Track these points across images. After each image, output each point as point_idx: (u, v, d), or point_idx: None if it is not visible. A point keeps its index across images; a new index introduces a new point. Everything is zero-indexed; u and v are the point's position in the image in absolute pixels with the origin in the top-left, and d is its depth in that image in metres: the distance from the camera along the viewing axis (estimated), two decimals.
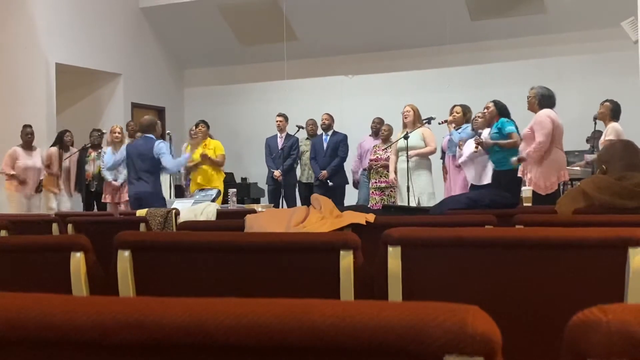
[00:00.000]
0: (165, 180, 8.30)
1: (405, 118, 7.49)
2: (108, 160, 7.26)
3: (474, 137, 6.69)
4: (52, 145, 8.56)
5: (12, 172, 8.12)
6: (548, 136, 5.62)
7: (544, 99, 5.80)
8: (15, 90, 9.34)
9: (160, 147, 6.19)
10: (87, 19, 10.14)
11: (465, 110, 7.41)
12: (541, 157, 5.66)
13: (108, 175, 8.23)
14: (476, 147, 6.44)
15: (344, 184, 8.73)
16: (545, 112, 5.72)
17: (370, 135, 8.79)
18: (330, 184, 8.45)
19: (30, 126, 8.33)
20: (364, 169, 8.64)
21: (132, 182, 6.37)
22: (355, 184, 8.88)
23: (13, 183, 8.19)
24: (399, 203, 7.34)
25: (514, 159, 5.80)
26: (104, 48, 10.46)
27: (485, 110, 6.38)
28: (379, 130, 8.59)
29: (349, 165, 8.94)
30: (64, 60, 9.73)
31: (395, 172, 7.46)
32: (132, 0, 11.08)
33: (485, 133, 6.41)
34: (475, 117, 7.14)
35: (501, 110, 6.21)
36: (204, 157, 8.09)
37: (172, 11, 11.02)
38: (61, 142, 8.52)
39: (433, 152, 7.45)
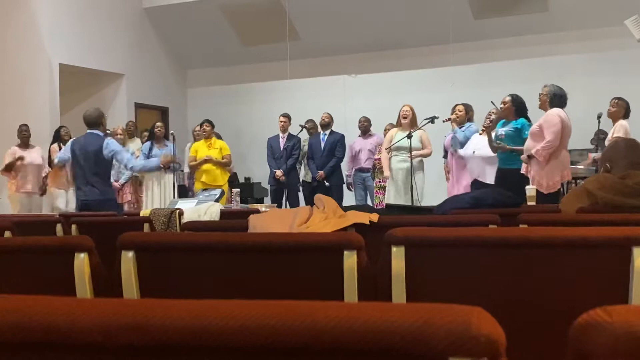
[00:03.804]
0: (169, 180, 8.31)
1: (405, 118, 7.55)
2: (60, 156, 6.18)
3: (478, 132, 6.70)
4: (52, 143, 8.62)
5: (7, 162, 8.12)
6: (557, 135, 5.61)
7: (556, 98, 5.78)
8: (19, 91, 9.37)
9: (111, 146, 5.48)
10: (90, 19, 10.16)
11: (468, 109, 7.44)
12: (549, 156, 5.65)
13: None
14: (481, 132, 6.44)
15: (341, 184, 8.79)
16: (556, 111, 5.70)
17: (359, 136, 8.87)
18: (327, 184, 8.48)
19: (26, 125, 8.38)
20: (357, 169, 8.75)
21: (80, 187, 5.61)
22: (349, 186, 8.94)
23: (14, 183, 8.21)
24: (392, 201, 7.40)
25: (524, 155, 5.79)
26: (107, 49, 10.48)
27: (502, 105, 6.34)
28: (367, 129, 8.77)
29: (346, 166, 9.01)
30: (67, 61, 9.75)
31: (390, 170, 7.60)
32: (135, 0, 11.10)
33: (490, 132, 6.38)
34: (490, 113, 7.10)
35: (518, 108, 6.17)
36: (208, 159, 8.13)
37: (175, 12, 11.03)
38: (58, 138, 8.59)
39: (430, 154, 7.69)
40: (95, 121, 5.59)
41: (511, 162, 6.06)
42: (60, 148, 8.51)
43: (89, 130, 5.62)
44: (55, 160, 6.32)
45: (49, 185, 8.41)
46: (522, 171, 5.97)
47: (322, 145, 8.65)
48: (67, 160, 5.90)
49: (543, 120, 5.72)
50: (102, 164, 5.52)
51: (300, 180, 9.06)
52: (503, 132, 6.17)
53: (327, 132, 8.73)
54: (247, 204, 7.47)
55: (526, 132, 6.01)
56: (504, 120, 6.34)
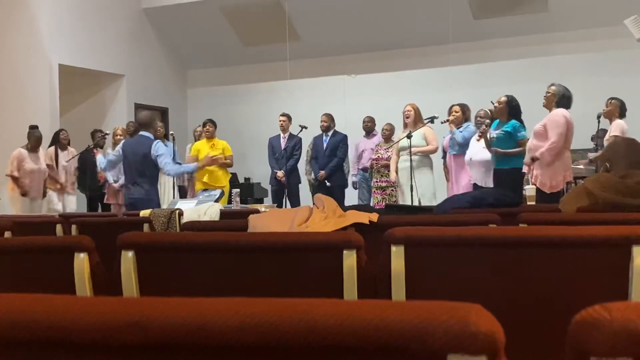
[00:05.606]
0: (169, 180, 8.31)
1: (407, 118, 7.52)
2: (101, 161, 6.46)
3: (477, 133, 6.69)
4: (49, 146, 8.54)
5: (17, 175, 8.07)
6: (562, 136, 5.61)
7: (563, 99, 5.77)
8: (19, 91, 9.36)
9: (158, 149, 5.57)
10: (90, 20, 10.16)
11: (464, 109, 7.42)
12: (554, 157, 5.64)
13: (109, 177, 8.23)
14: (478, 138, 6.45)
15: (344, 185, 8.74)
16: (561, 111, 5.70)
17: (364, 136, 8.86)
18: (328, 184, 8.43)
19: (37, 127, 8.25)
20: (360, 169, 8.73)
21: (128, 186, 5.78)
22: (354, 185, 8.92)
23: (18, 185, 8.15)
24: (401, 202, 7.36)
25: (527, 158, 5.79)
26: (107, 49, 10.48)
27: (496, 104, 6.35)
28: (371, 129, 8.76)
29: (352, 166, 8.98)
30: (67, 62, 9.75)
31: (397, 172, 7.52)
32: (135, 1, 11.09)
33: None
34: (479, 118, 7.11)
35: (512, 110, 6.18)
36: (215, 160, 8.09)
37: (174, 12, 11.03)
38: (57, 141, 8.51)
39: (434, 150, 7.53)
40: (146, 123, 5.72)
41: (505, 162, 6.08)
42: (57, 151, 8.48)
43: (140, 132, 5.78)
44: (100, 167, 6.79)
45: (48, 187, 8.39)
46: (524, 170, 5.98)
47: (324, 146, 8.63)
48: (116, 163, 6.16)
49: (547, 120, 5.71)
50: (150, 166, 5.61)
51: (308, 180, 9.02)
52: (495, 135, 6.19)
53: (330, 133, 8.70)
54: (247, 204, 7.47)
55: (517, 134, 6.04)
56: (497, 120, 6.35)
